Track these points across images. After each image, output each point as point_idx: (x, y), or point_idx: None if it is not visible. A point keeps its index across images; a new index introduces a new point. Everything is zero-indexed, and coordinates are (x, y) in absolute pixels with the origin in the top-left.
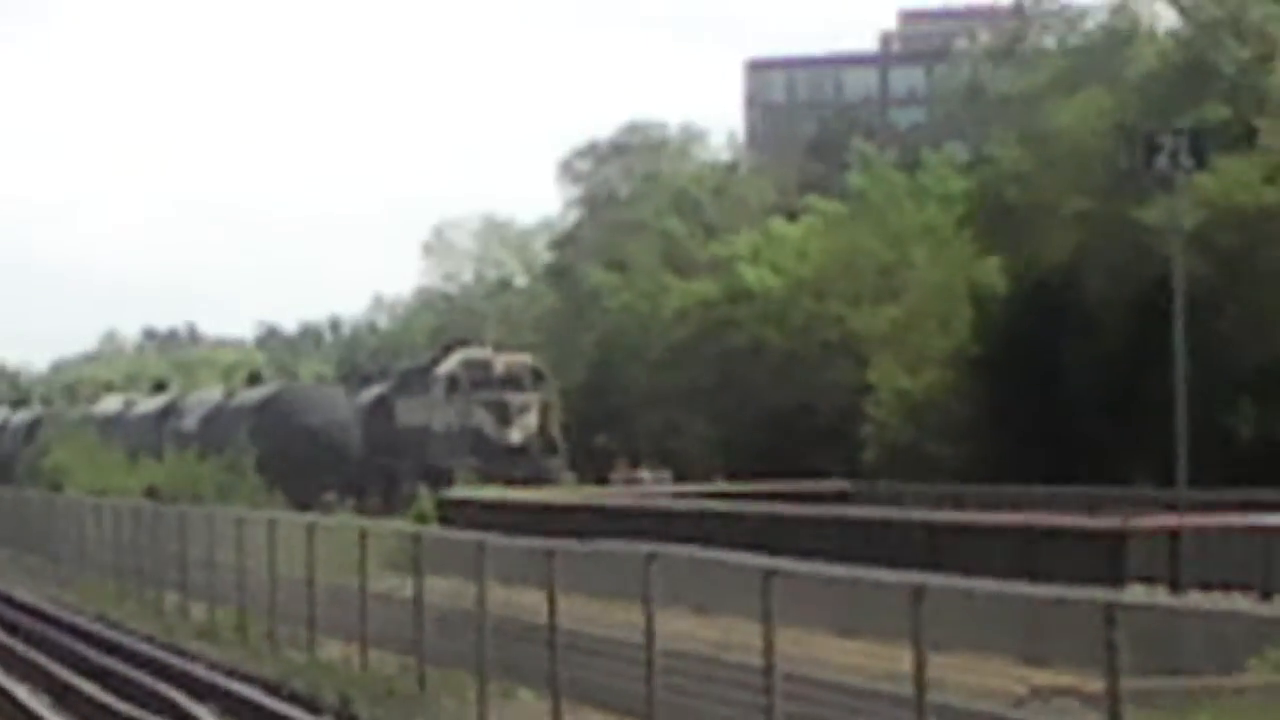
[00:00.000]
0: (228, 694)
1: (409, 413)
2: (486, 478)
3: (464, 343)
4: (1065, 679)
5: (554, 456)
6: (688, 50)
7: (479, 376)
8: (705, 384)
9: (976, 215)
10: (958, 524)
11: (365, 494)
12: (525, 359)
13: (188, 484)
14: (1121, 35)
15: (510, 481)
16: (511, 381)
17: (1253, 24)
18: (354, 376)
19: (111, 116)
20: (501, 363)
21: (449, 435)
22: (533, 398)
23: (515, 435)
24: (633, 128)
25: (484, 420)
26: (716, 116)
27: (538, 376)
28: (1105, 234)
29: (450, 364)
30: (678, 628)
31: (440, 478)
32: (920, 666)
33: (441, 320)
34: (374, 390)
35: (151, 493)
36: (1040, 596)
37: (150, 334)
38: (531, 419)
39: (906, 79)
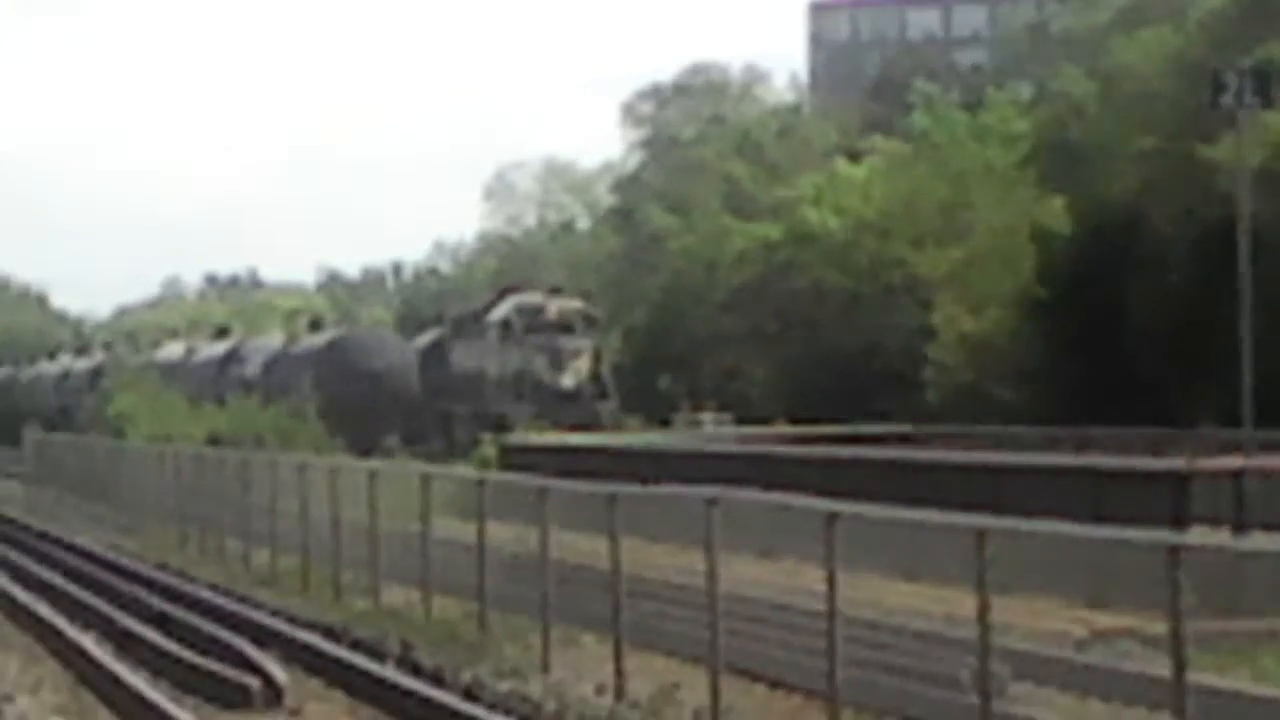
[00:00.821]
0: (290, 640)
1: (463, 358)
2: (539, 422)
3: (517, 288)
4: (1128, 621)
5: (605, 401)
6: None
7: (532, 321)
8: (768, 327)
9: (1040, 155)
10: (1020, 466)
11: (426, 439)
12: (578, 304)
13: (250, 430)
14: None
15: (562, 426)
16: (564, 326)
17: None
18: (411, 322)
19: (172, 64)
20: (554, 308)
21: (502, 380)
22: (585, 342)
23: (568, 380)
24: (695, 69)
25: (537, 365)
26: (779, 57)
27: (590, 321)
28: (1170, 173)
29: (504, 309)
30: (740, 572)
31: (494, 422)
32: (983, 609)
33: (504, 264)
34: (429, 336)
35: (214, 439)
36: (1103, 538)
37: (212, 280)
38: (584, 363)
39: (970, 18)
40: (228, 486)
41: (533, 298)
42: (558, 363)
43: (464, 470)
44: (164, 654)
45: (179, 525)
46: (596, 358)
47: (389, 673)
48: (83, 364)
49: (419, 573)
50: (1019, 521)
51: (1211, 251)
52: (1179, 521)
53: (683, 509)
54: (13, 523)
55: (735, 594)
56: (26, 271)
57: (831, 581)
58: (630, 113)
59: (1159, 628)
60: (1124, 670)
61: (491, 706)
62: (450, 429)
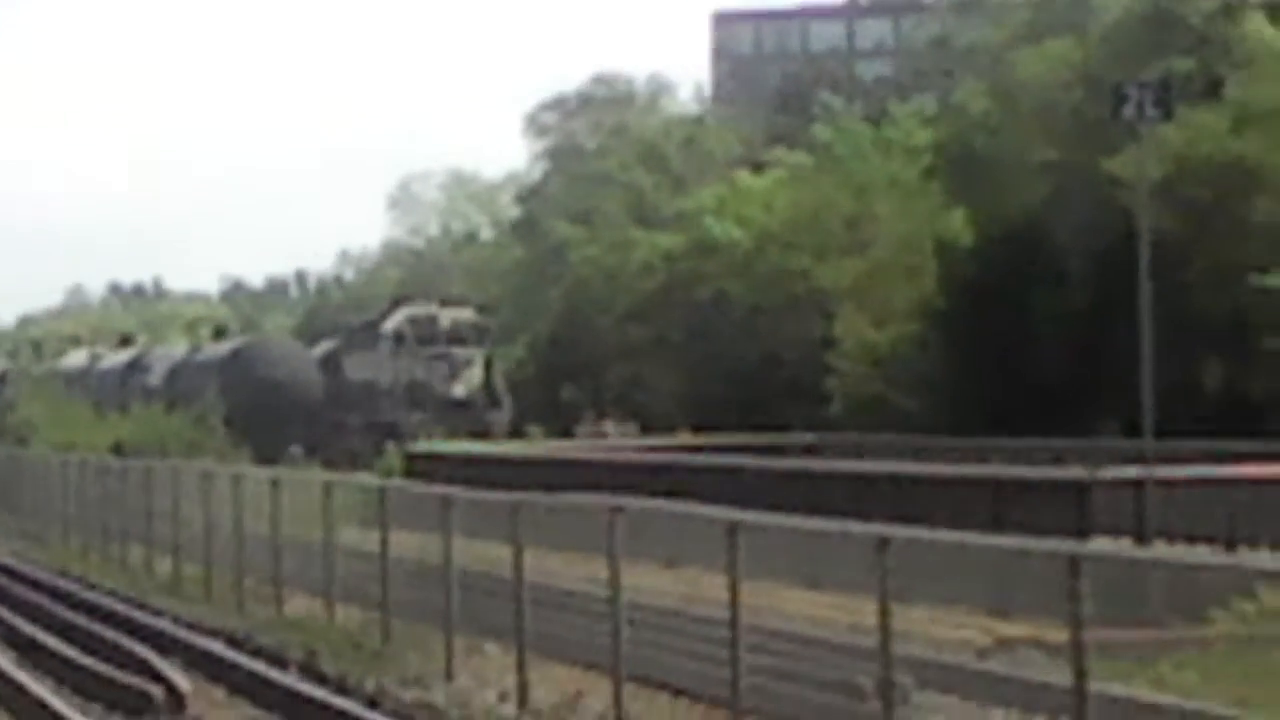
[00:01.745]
0: (193, 648)
1: (357, 368)
2: (432, 430)
3: (409, 299)
4: (1029, 630)
5: (497, 410)
6: (655, 2)
7: (424, 332)
8: (671, 337)
9: (942, 167)
10: (923, 476)
11: (329, 448)
12: (469, 314)
13: (154, 438)
14: None
15: (457, 435)
16: (456, 337)
17: None
18: (314, 331)
19: (76, 72)
20: (446, 318)
21: (395, 390)
22: (476, 352)
23: (459, 389)
24: (599, 80)
25: (429, 375)
26: (683, 69)
27: (481, 331)
28: (1072, 185)
29: (396, 319)
30: (643, 581)
31: (388, 432)
32: (885, 618)
33: (407, 274)
34: (324, 346)
35: (118, 448)
36: (1005, 548)
37: (116, 289)
38: (475, 373)
39: (873, 31)
40: (131, 495)
41: (425, 308)
42: (449, 372)
43: (368, 479)
44: (67, 661)
45: (82, 534)
46: (488, 367)
47: (292, 680)
48: None
49: (322, 581)
50: (921, 531)
51: (1112, 264)
52: (1080, 532)
53: (586, 518)
54: None
55: (638, 603)
56: None
57: (734, 590)
58: (534, 123)
59: (1060, 636)
60: (1025, 678)
61: (394, 714)
62: (344, 438)
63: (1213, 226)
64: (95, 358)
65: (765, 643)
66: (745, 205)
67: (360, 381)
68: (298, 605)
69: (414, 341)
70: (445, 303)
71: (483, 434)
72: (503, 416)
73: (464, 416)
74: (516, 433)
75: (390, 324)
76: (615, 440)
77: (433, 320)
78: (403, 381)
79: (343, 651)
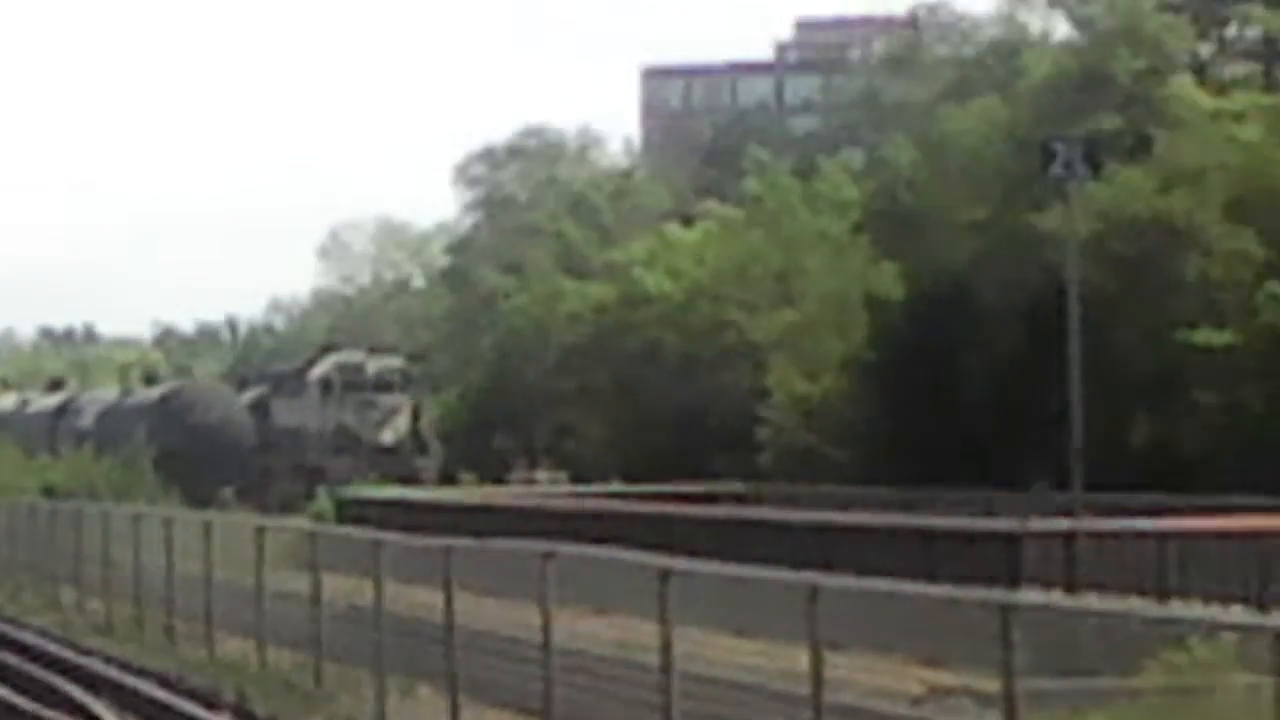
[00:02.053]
0: (124, 688)
1: (285, 414)
2: (360, 477)
3: (337, 346)
4: (961, 679)
5: (424, 457)
6: (584, 56)
7: (352, 379)
8: (602, 387)
9: (871, 222)
10: (853, 525)
11: (260, 491)
12: (396, 362)
13: (84, 482)
14: (1014, 45)
15: (382, 481)
16: (383, 384)
17: (1147, 34)
18: (237, 378)
19: (7, 112)
20: (374, 366)
21: (323, 435)
22: (404, 400)
23: (387, 436)
24: (529, 132)
25: (356, 421)
26: (613, 122)
27: (408, 379)
28: (1000, 242)
29: (324, 367)
30: (575, 626)
31: (315, 477)
32: (816, 666)
33: (338, 322)
34: (252, 393)
35: (48, 491)
36: (936, 597)
37: (47, 332)
38: (403, 420)
39: (802, 87)
40: (61, 537)
41: (352, 356)
42: (377, 419)
43: (300, 522)
44: None
45: (12, 574)
46: (415, 415)
47: None
48: None
49: (254, 623)
50: (852, 579)
51: (1040, 320)
52: (1011, 582)
53: (518, 563)
54: None
55: (570, 648)
56: None
57: (666, 637)
58: (463, 174)
59: (992, 686)
60: None
61: None
62: (272, 483)
63: (1141, 283)
64: (25, 401)
65: (698, 689)
66: (676, 257)
67: (288, 427)
68: (230, 647)
69: (341, 388)
70: (373, 350)
71: (410, 480)
72: (430, 463)
73: (391, 462)
74: (448, 479)
75: (318, 371)
76: (546, 488)
77: (360, 368)
78: (330, 427)
79: (275, 693)
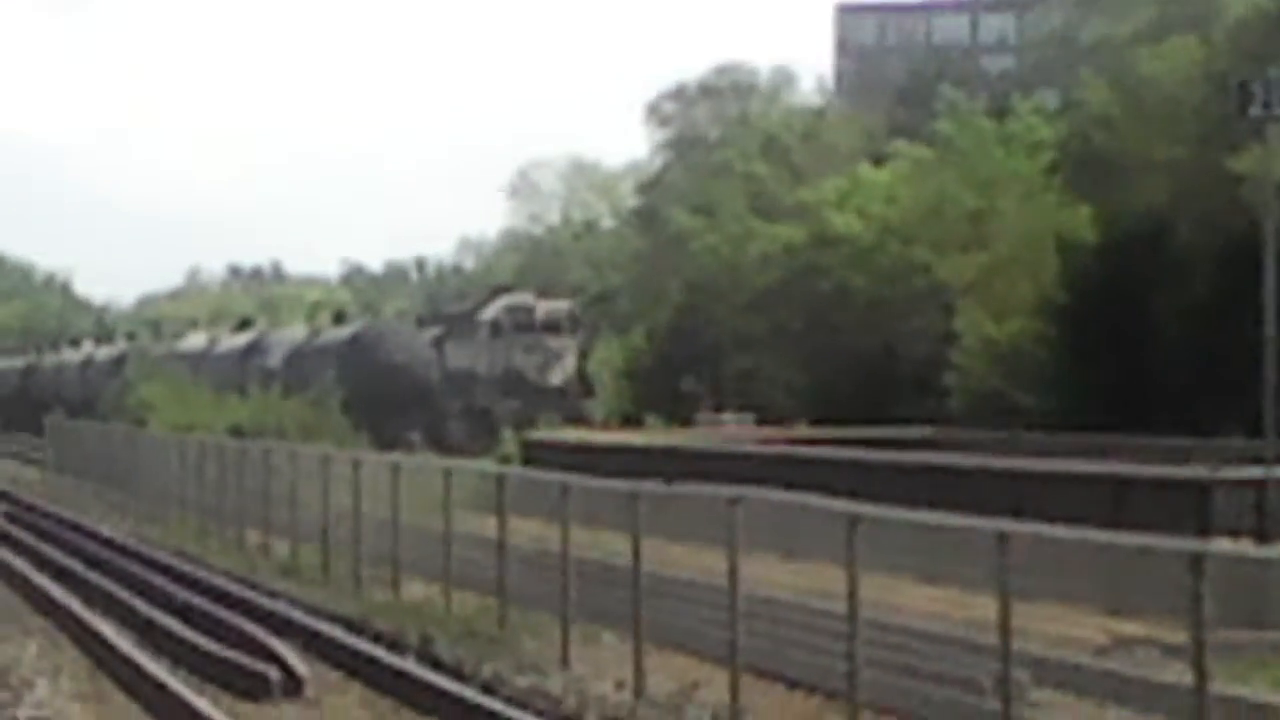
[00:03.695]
0: (310, 631)
1: (456, 356)
2: (527, 419)
3: (507, 288)
4: (1149, 629)
5: (591, 399)
6: None
7: (521, 321)
8: (791, 329)
9: (1065, 163)
10: (1042, 472)
11: (436, 432)
12: (565, 305)
13: (272, 422)
14: None
15: (548, 423)
16: (551, 326)
17: None
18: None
19: (199, 57)
20: (542, 308)
21: (491, 377)
22: (571, 342)
23: (555, 378)
24: (721, 70)
25: (525, 363)
26: (806, 60)
27: (576, 322)
28: (1196, 184)
29: (494, 309)
30: (761, 572)
31: (482, 418)
32: (1004, 614)
33: (526, 261)
34: (429, 333)
35: (236, 430)
36: (1125, 545)
37: (235, 271)
38: (570, 362)
39: (997, 26)
40: (249, 477)
41: (522, 298)
42: (544, 361)
43: (484, 464)
44: (183, 643)
45: (199, 515)
46: (582, 357)
47: (408, 665)
48: (105, 352)
49: (440, 567)
50: (1040, 526)
51: (1236, 263)
52: (1201, 531)
53: (705, 508)
54: (33, 509)
55: (756, 595)
56: (50, 259)
57: (853, 584)
58: (655, 113)
59: (1179, 636)
60: (1145, 678)
61: (510, 700)
62: (443, 424)
63: None
64: (214, 340)
65: (883, 637)
66: (866, 198)
67: (460, 368)
68: (415, 591)
69: (511, 330)
70: (542, 293)
71: (576, 421)
72: (597, 405)
73: (558, 404)
74: (634, 421)
75: (488, 313)
76: (733, 430)
77: (529, 310)
78: (499, 369)
79: (459, 638)
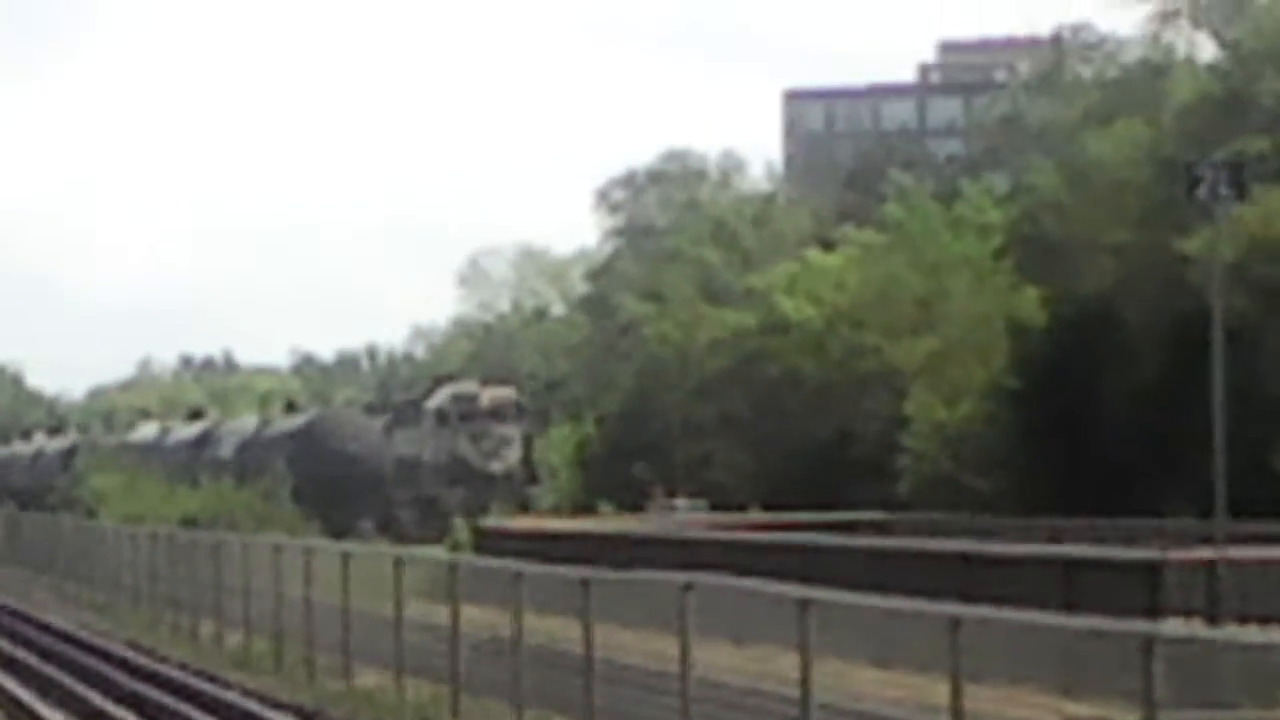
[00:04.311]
0: None
1: (403, 444)
2: (472, 506)
3: (451, 377)
4: (1101, 710)
5: (536, 485)
6: (725, 79)
7: (466, 409)
8: (742, 414)
9: (1014, 246)
10: (994, 555)
11: (387, 521)
12: (509, 392)
13: (224, 511)
14: (1159, 67)
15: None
16: (496, 414)
17: None
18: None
19: (148, 142)
20: (487, 396)
21: (437, 465)
22: (516, 430)
23: (499, 465)
24: (670, 156)
25: (469, 451)
26: (754, 146)
27: (521, 409)
28: (1144, 265)
29: (439, 398)
30: (714, 657)
31: (429, 507)
32: (957, 697)
33: (478, 349)
34: (378, 422)
35: (188, 521)
36: (1077, 628)
37: (187, 361)
38: (515, 449)
39: (945, 110)
40: (201, 567)
41: (467, 387)
42: (490, 449)
43: (435, 553)
44: None
45: (151, 605)
46: (527, 444)
47: None
48: (56, 444)
49: (392, 655)
50: (992, 610)
51: (1184, 344)
52: (1152, 612)
53: (657, 594)
54: None
55: (709, 679)
56: (1, 351)
57: (805, 668)
58: (604, 199)
59: (1132, 717)
60: None
61: None
62: (391, 512)
63: None
64: (165, 431)
65: None
66: (816, 283)
67: (406, 456)
68: (368, 679)
69: (456, 418)
70: (486, 381)
71: (522, 509)
72: (542, 492)
73: (503, 491)
74: (585, 509)
75: (433, 402)
76: (685, 516)
77: (474, 398)
78: (444, 458)
79: None
